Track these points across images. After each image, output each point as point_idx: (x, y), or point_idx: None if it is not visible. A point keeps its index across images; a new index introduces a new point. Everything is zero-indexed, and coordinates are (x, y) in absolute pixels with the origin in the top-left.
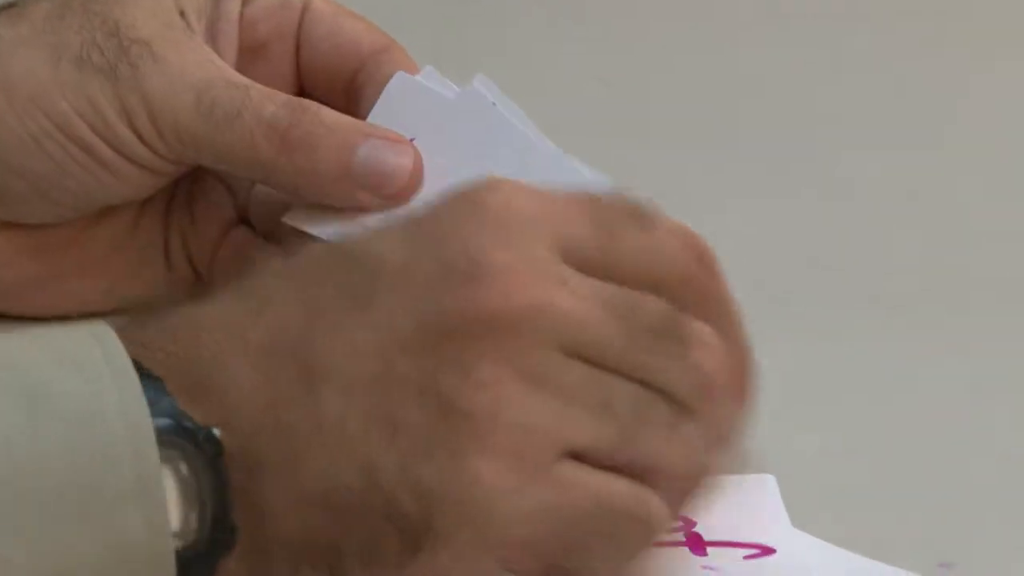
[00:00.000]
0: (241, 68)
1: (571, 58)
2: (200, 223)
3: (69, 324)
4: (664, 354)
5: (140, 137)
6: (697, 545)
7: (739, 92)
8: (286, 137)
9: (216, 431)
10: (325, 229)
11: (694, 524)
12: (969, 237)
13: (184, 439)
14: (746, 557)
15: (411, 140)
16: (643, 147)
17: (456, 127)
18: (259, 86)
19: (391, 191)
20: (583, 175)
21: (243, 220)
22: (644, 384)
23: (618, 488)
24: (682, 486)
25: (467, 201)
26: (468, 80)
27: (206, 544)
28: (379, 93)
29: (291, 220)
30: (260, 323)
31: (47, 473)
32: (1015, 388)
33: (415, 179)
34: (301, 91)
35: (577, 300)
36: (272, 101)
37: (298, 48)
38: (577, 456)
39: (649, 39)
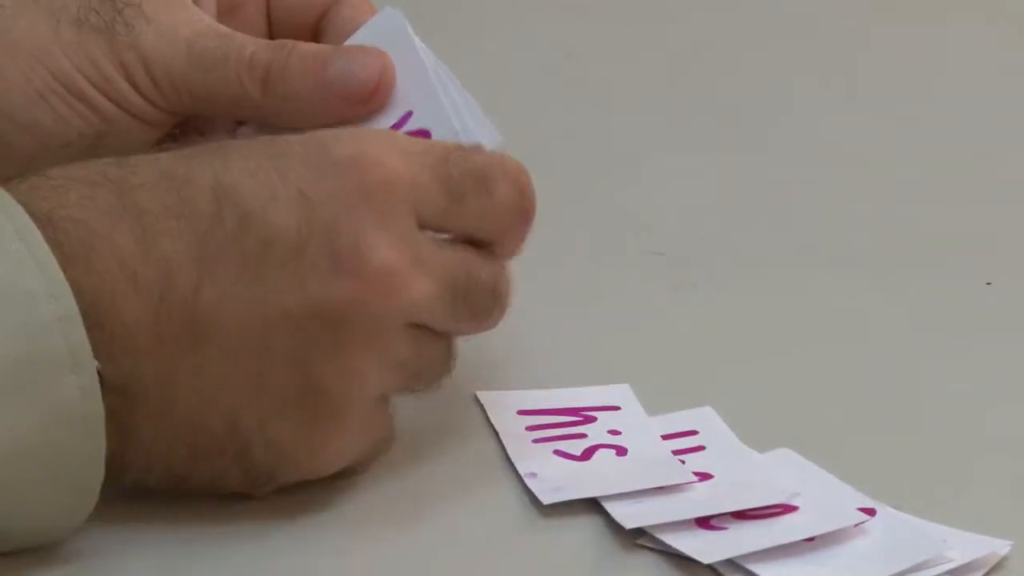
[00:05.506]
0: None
1: (539, 33)
2: None
3: None
4: (476, 321)
5: (137, 88)
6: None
7: (698, 65)
8: (268, 71)
9: (97, 365)
10: None
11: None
12: (914, 195)
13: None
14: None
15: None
16: (606, 118)
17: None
18: (241, 34)
19: (365, 94)
20: (484, 124)
21: None
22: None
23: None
24: None
25: (356, 181)
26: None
27: None
28: (337, 34)
29: None
30: (150, 259)
31: None
32: (954, 335)
33: (386, 80)
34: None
35: (431, 283)
36: (253, 43)
37: (268, 4)
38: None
39: (613, 15)
